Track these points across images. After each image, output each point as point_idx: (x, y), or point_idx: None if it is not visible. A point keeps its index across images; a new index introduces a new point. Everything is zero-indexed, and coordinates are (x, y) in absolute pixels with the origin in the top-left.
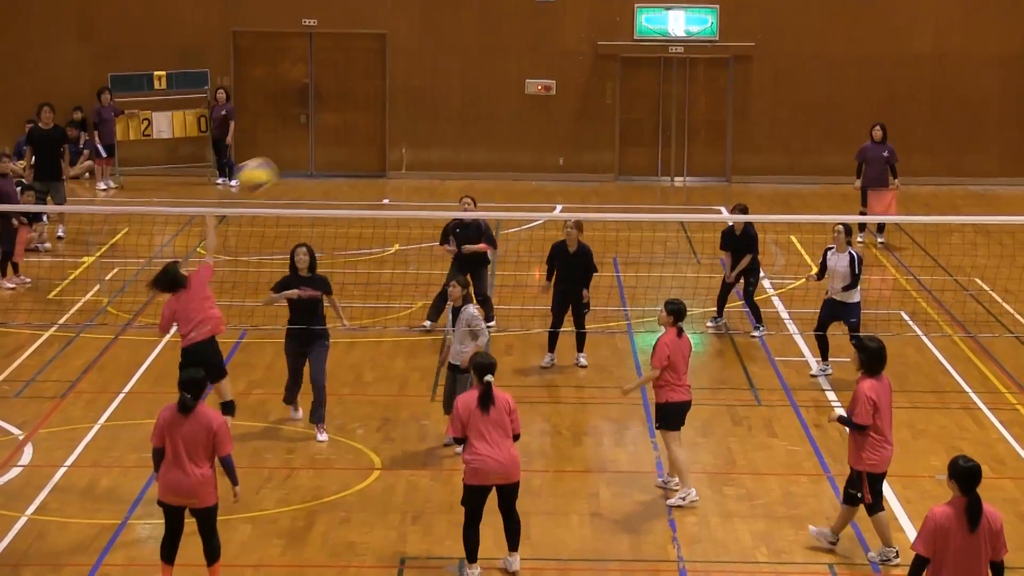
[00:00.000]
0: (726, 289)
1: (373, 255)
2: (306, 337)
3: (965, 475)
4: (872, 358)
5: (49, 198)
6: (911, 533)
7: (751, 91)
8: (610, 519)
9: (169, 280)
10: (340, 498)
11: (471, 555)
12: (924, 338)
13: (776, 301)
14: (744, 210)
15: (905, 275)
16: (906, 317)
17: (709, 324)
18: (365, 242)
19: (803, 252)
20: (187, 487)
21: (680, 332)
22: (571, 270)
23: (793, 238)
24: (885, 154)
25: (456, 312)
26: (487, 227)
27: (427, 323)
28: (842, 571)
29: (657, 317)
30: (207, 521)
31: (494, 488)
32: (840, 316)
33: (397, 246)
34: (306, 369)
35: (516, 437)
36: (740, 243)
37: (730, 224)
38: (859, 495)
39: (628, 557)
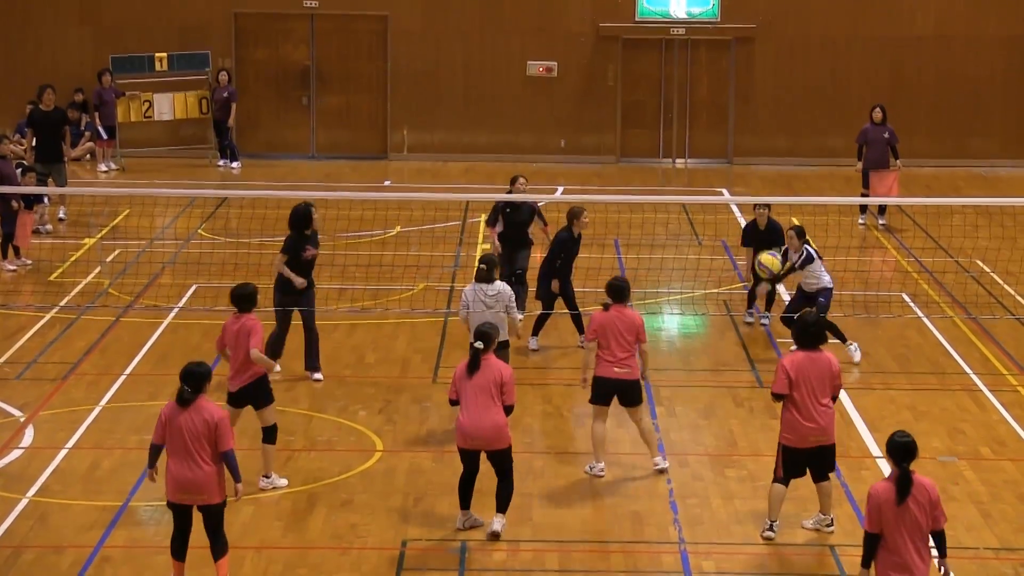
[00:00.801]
0: (757, 285)
1: (375, 237)
2: (300, 291)
3: (898, 449)
4: (799, 331)
5: (50, 180)
6: None
7: (753, 73)
8: (612, 501)
9: (243, 296)
10: (342, 480)
11: (462, 503)
12: (925, 320)
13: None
14: (767, 207)
15: (906, 257)
16: (907, 299)
17: (747, 319)
18: (367, 224)
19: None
20: (195, 483)
21: (607, 308)
22: (573, 257)
23: (795, 220)
24: (886, 136)
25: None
26: (538, 207)
27: None
28: (843, 552)
29: None
30: (215, 518)
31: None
32: (810, 303)
33: (399, 228)
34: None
35: (508, 409)
36: (763, 238)
37: (753, 219)
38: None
39: (630, 539)
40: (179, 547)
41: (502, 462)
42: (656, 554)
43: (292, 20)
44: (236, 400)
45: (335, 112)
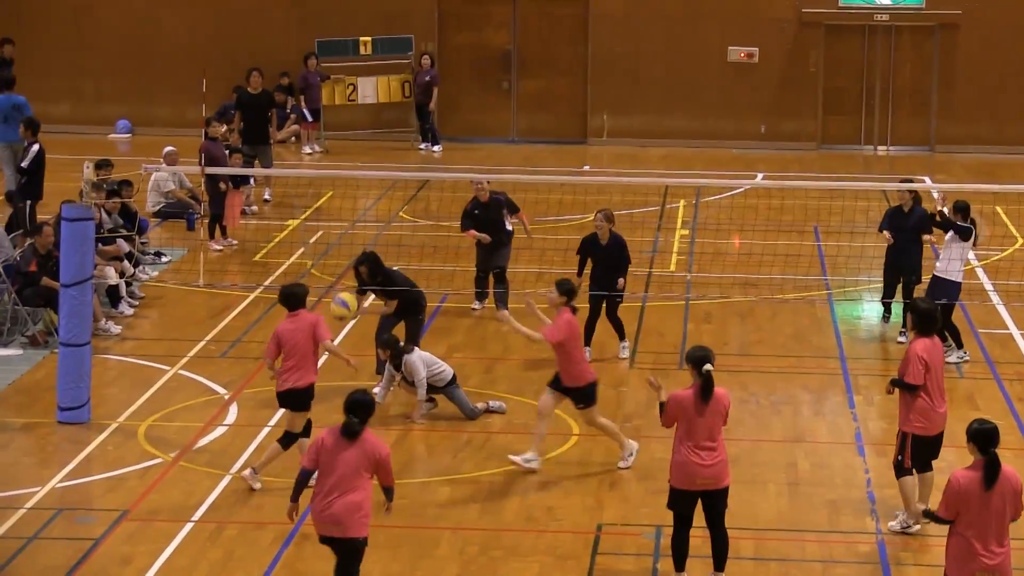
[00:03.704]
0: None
1: (573, 221)
2: None
3: (981, 436)
4: (921, 319)
5: (256, 161)
6: None
7: (957, 59)
8: (807, 490)
9: (288, 296)
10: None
11: (678, 563)
12: None
13: (980, 272)
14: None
15: None
16: None
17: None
18: (565, 208)
19: (1008, 223)
20: (342, 517)
21: (575, 311)
22: (605, 262)
23: (998, 208)
24: None
25: (397, 365)
26: (506, 198)
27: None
28: None
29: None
30: (354, 555)
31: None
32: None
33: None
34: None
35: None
36: (908, 224)
37: (898, 204)
38: (899, 457)
39: (826, 528)
40: None
41: (722, 502)
42: (852, 544)
43: (494, 4)
44: None
45: (535, 96)
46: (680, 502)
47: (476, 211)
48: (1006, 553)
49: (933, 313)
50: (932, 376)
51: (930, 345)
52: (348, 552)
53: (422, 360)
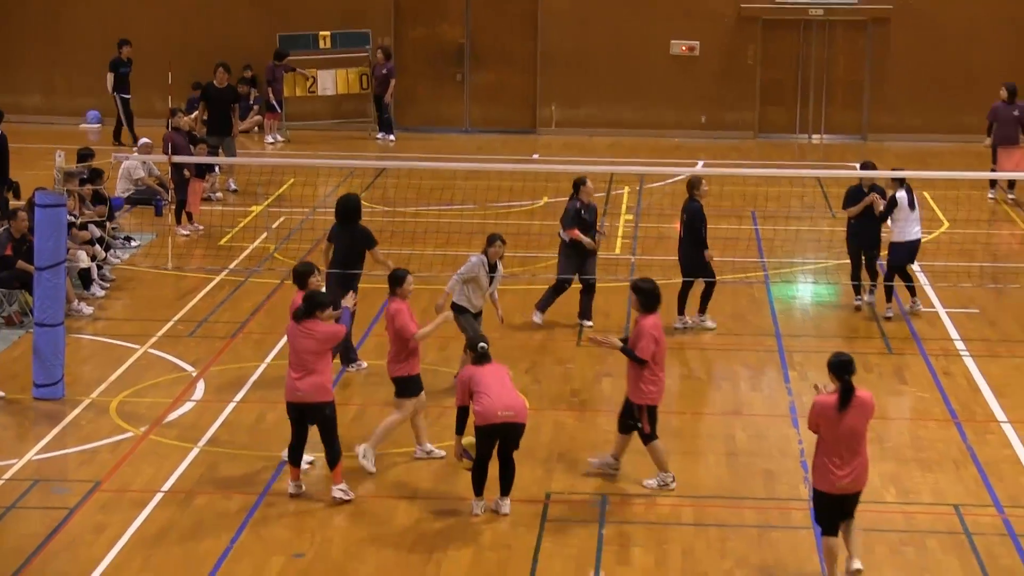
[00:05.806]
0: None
1: (523, 207)
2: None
3: (836, 366)
4: (648, 297)
5: (220, 151)
6: None
7: (889, 52)
8: (745, 460)
9: (298, 275)
10: None
11: (478, 489)
12: None
13: None
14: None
15: None
16: None
17: (857, 302)
18: (516, 195)
19: (935, 207)
20: (300, 388)
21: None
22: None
23: (927, 194)
24: (1016, 113)
25: (494, 266)
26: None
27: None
28: (968, 512)
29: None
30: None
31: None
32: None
33: (546, 199)
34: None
35: None
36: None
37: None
38: (638, 424)
39: (762, 496)
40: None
41: (518, 438)
42: (786, 511)
43: (448, 0)
44: None
45: (487, 88)
46: (486, 440)
47: (584, 213)
48: (858, 466)
49: (656, 292)
50: (660, 349)
51: (657, 321)
52: (317, 415)
53: (467, 270)
